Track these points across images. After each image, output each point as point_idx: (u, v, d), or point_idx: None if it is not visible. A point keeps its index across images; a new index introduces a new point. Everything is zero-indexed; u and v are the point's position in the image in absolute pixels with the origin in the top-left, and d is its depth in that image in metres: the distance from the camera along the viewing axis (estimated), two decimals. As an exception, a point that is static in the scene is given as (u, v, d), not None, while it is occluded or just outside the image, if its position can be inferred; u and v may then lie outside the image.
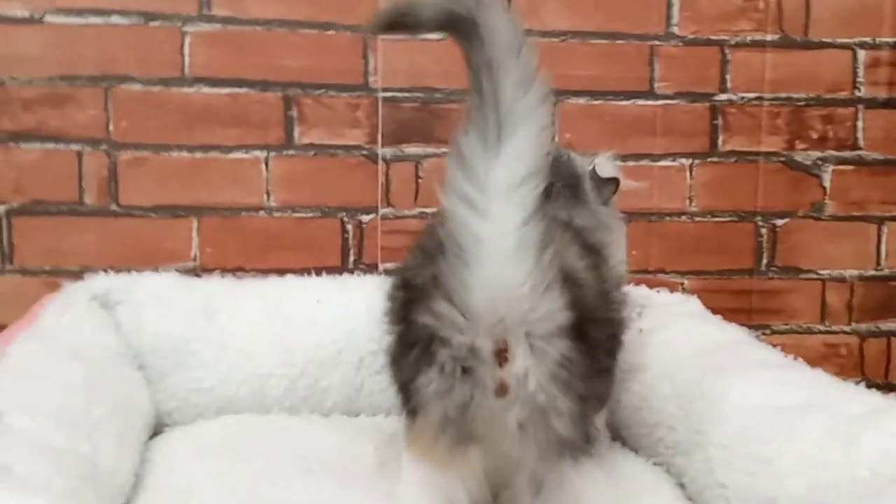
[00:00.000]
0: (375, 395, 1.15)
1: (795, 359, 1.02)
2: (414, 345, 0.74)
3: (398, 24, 0.72)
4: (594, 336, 0.76)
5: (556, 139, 1.34)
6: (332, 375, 1.15)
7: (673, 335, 1.12)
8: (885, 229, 1.45)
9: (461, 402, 0.71)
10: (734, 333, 1.13)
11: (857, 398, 0.84)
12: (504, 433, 0.72)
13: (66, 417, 0.83)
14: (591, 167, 1.04)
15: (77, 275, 1.27)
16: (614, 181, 1.04)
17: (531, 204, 0.68)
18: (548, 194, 0.80)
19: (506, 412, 0.72)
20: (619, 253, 1.06)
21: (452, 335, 0.71)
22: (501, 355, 0.71)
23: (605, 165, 1.04)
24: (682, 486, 0.95)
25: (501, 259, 0.69)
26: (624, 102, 1.42)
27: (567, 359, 0.72)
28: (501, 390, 0.71)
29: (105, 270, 1.21)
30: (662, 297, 1.31)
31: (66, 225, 1.29)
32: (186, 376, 1.12)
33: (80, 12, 1.27)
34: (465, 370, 0.71)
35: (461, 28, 0.68)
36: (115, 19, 1.28)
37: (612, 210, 1.06)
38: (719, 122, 1.43)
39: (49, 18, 1.26)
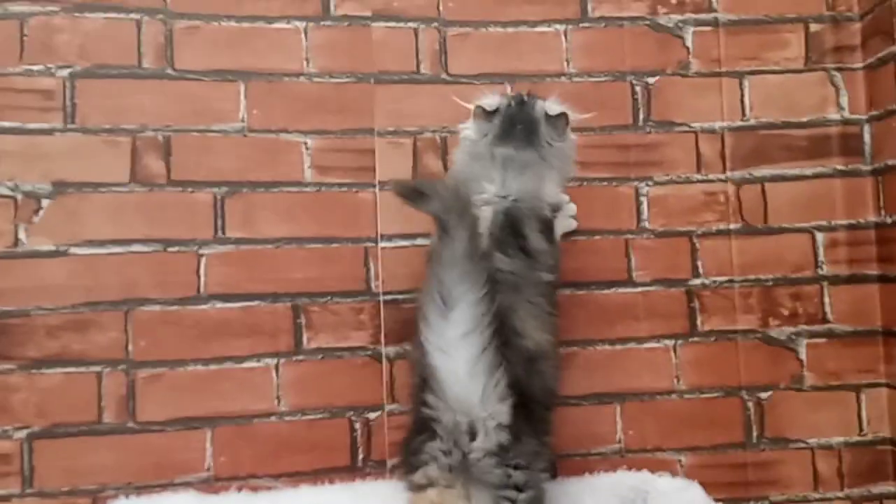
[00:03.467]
0: None
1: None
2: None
3: (409, 198, 1.11)
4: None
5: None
6: (349, 588, 1.18)
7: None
8: (863, 396, 1.54)
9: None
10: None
11: None
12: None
13: None
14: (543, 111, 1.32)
15: (93, 494, 1.31)
16: (564, 116, 1.32)
17: (478, 347, 1.07)
18: (510, 134, 1.29)
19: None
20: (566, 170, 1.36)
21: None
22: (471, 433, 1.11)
23: (553, 106, 1.32)
24: None
25: (460, 381, 1.08)
26: (606, 291, 1.53)
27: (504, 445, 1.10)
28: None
29: (121, 492, 1.25)
30: (664, 482, 1.37)
31: (85, 445, 1.33)
32: None
33: (103, 243, 1.38)
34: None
35: (439, 228, 1.09)
36: (136, 247, 1.39)
37: (567, 142, 1.34)
38: (696, 304, 1.54)
39: (74, 250, 1.37)
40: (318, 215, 1.45)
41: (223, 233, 1.42)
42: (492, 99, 1.32)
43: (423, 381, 1.13)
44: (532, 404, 1.14)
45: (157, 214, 1.40)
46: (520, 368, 1.14)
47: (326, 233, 1.45)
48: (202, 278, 1.40)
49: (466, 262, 1.05)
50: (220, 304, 1.41)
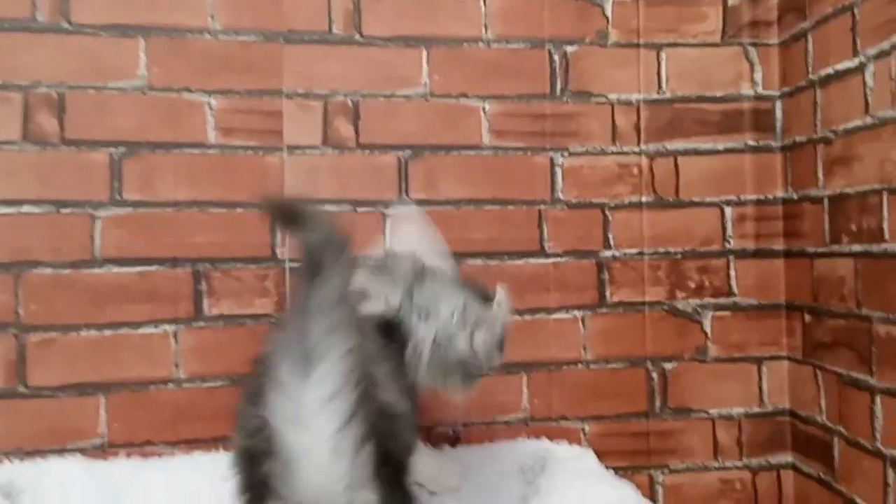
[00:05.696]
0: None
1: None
2: None
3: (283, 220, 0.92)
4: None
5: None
6: (236, 555, 1.16)
7: (569, 498, 1.18)
8: (764, 369, 1.57)
9: None
10: (621, 493, 1.20)
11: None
12: None
13: None
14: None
15: (-19, 460, 1.28)
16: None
17: (343, 415, 0.85)
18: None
19: None
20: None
21: None
22: None
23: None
24: None
25: (320, 463, 0.85)
26: (518, 262, 1.53)
27: None
28: None
29: (9, 457, 1.22)
30: (562, 450, 1.38)
31: (-29, 410, 1.30)
32: (88, 567, 1.12)
33: (-8, 203, 1.33)
34: None
35: (310, 266, 0.88)
36: (28, 208, 1.34)
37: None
38: (605, 276, 1.55)
39: (-39, 210, 1.32)
40: (222, 179, 1.41)
41: (120, 195, 1.38)
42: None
43: (257, 467, 0.89)
44: (392, 463, 0.95)
45: (49, 174, 1.35)
46: (380, 424, 0.94)
47: (230, 197, 1.42)
48: (97, 241, 1.36)
49: (340, 308, 0.86)
50: (116, 269, 1.37)
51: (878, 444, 1.29)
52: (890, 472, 1.26)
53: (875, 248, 1.29)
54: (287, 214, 0.90)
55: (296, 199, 0.92)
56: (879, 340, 1.28)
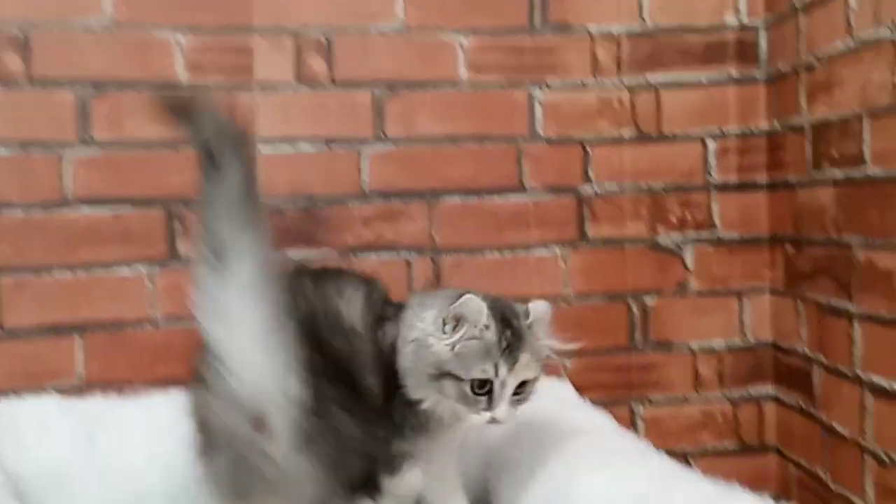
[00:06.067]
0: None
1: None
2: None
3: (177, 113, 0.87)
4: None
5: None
6: (213, 490, 1.17)
7: (542, 422, 1.19)
8: (746, 302, 1.57)
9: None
10: (597, 420, 1.20)
11: (688, 490, 0.92)
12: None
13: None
14: None
15: (-41, 402, 1.28)
16: None
17: (267, 310, 0.85)
18: None
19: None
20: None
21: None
22: (261, 426, 0.88)
23: None
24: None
25: (249, 359, 0.85)
26: (497, 198, 1.51)
27: (305, 428, 0.89)
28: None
29: (-15, 396, 1.22)
30: (540, 382, 1.38)
31: (-53, 352, 1.30)
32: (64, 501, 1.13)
33: (-42, 144, 1.31)
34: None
35: (207, 160, 0.85)
36: (-6, 149, 1.33)
37: None
38: (586, 211, 1.53)
39: (-73, 152, 1.30)
40: (193, 117, 1.39)
41: (89, 135, 1.35)
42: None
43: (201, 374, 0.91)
44: (335, 358, 0.94)
45: (16, 115, 1.32)
46: (325, 325, 0.94)
47: (202, 136, 1.40)
48: (67, 182, 1.34)
49: (244, 204, 0.84)
50: (87, 210, 1.35)
51: (857, 370, 1.29)
52: (868, 396, 1.26)
53: (856, 173, 1.27)
54: (174, 107, 0.85)
55: (183, 91, 0.87)
56: (859, 266, 1.27)
